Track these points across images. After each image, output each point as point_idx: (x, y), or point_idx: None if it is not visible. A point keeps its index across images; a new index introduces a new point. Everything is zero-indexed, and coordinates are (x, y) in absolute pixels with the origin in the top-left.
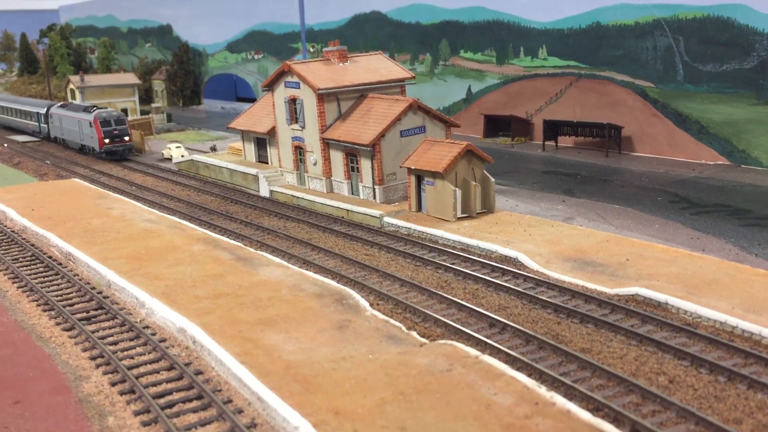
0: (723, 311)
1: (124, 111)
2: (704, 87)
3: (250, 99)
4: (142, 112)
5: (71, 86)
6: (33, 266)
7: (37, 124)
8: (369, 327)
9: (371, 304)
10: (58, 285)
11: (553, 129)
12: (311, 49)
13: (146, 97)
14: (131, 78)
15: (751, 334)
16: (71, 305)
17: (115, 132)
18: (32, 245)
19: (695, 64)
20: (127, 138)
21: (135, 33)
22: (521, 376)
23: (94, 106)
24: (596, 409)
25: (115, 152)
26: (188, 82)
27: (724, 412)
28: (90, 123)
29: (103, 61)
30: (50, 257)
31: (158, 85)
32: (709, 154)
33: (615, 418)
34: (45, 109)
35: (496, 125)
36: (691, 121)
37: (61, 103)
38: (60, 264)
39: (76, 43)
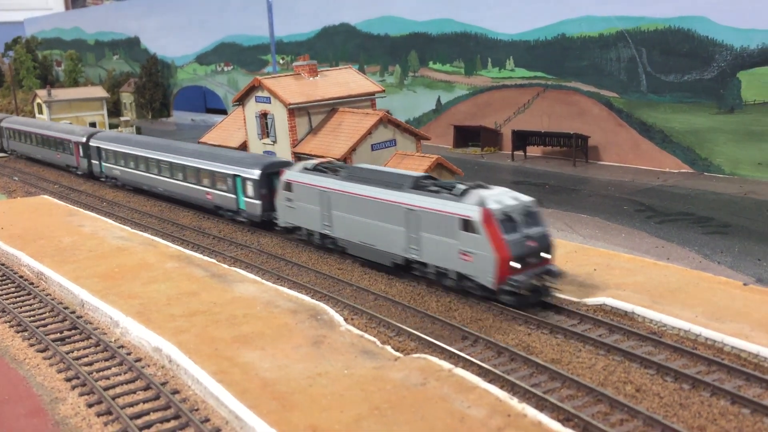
0: (687, 320)
1: (93, 125)
2: (667, 97)
3: (220, 110)
4: (111, 126)
5: (38, 100)
6: (4, 286)
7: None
8: (344, 342)
9: (345, 319)
10: (30, 305)
11: (522, 139)
12: (281, 61)
13: (115, 110)
14: (99, 91)
15: (714, 342)
16: (44, 326)
17: (529, 244)
18: (2, 264)
19: (658, 74)
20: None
21: (102, 45)
22: (494, 389)
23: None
24: (566, 419)
25: (532, 290)
26: (157, 94)
27: (688, 420)
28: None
29: (70, 73)
30: (21, 277)
31: (127, 97)
32: (673, 162)
33: (584, 428)
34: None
35: (465, 136)
36: (655, 130)
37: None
38: (32, 284)
39: (42, 56)
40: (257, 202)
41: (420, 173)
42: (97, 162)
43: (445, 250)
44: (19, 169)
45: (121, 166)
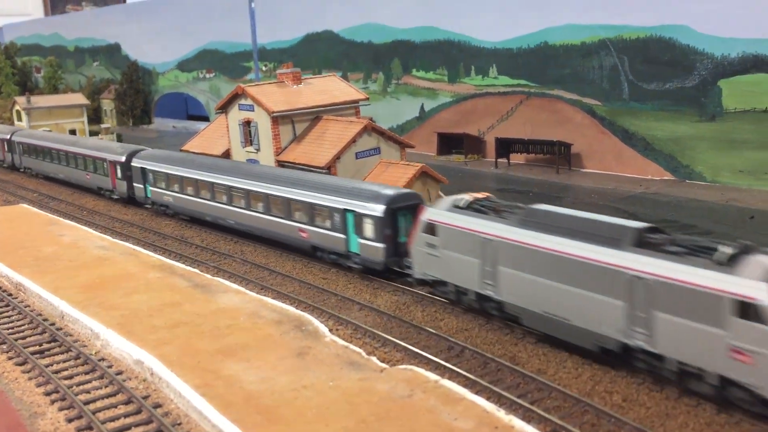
0: None
1: (73, 132)
2: (649, 105)
3: (202, 117)
4: (91, 133)
5: (17, 107)
6: None
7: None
8: (329, 353)
9: (330, 330)
10: (8, 317)
11: (505, 146)
12: (264, 68)
13: (95, 116)
14: (79, 98)
15: None
16: (23, 338)
17: None
18: None
19: (640, 82)
20: None
21: (82, 52)
22: (481, 400)
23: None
24: (554, 431)
25: None
26: (138, 101)
27: (674, 430)
28: None
29: (50, 80)
30: (0, 288)
31: (107, 104)
32: (655, 169)
33: None
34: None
35: (449, 143)
36: (638, 138)
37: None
38: (10, 295)
39: (21, 62)
40: (379, 245)
41: (643, 224)
42: (141, 185)
43: (700, 341)
44: None
45: (174, 191)
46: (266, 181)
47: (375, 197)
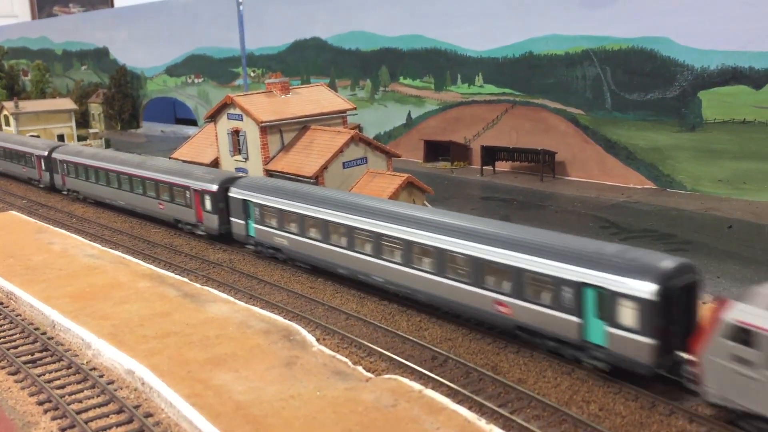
0: None
1: (61, 137)
2: (631, 115)
3: (190, 120)
4: (79, 138)
5: (5, 112)
6: None
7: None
8: (316, 363)
9: (318, 339)
10: (0, 326)
11: (491, 154)
12: (252, 74)
13: (83, 120)
14: (68, 103)
15: None
16: (15, 347)
17: None
18: None
19: (622, 93)
20: None
21: (70, 55)
22: (462, 410)
23: None
24: None
25: None
26: (126, 105)
27: None
28: None
29: (38, 84)
30: None
31: (95, 108)
32: (637, 178)
33: None
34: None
35: (436, 150)
36: (620, 147)
37: None
38: (1, 303)
39: (8, 65)
40: (648, 340)
41: None
42: (242, 221)
43: None
44: None
45: (285, 230)
46: (437, 230)
47: (639, 269)
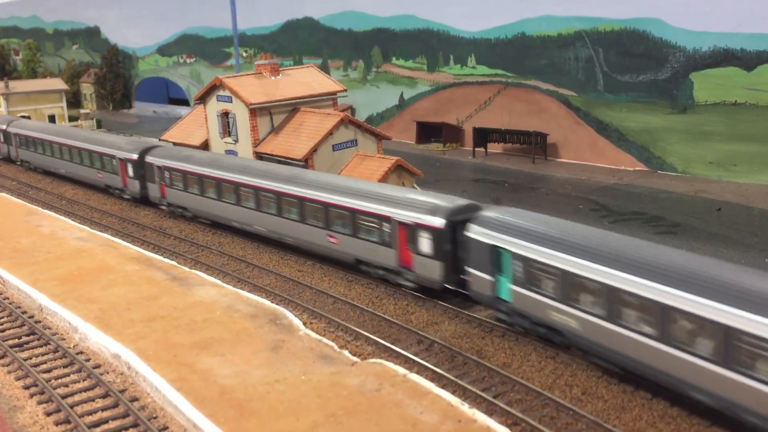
0: None
1: (52, 118)
2: (622, 96)
3: (183, 101)
4: (71, 118)
5: None
6: None
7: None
8: (302, 347)
9: (305, 323)
10: None
11: (483, 136)
12: (244, 54)
13: (74, 100)
14: (58, 83)
15: None
16: (2, 331)
17: None
18: None
19: (614, 74)
20: None
21: (61, 34)
22: (446, 394)
23: None
24: (514, 423)
25: None
26: (118, 85)
27: (629, 423)
28: None
29: (28, 63)
30: None
31: (87, 88)
32: (628, 160)
33: None
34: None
35: (428, 131)
36: (611, 128)
37: None
38: None
39: None
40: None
41: None
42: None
43: None
44: None
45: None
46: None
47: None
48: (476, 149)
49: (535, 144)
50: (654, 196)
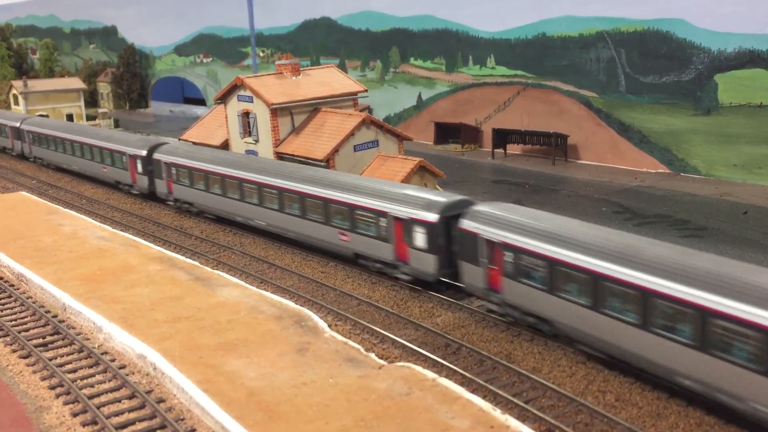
0: None
1: (70, 117)
2: (645, 98)
3: (199, 100)
4: (88, 117)
5: (14, 91)
6: None
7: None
8: (328, 349)
9: (330, 325)
10: (11, 308)
11: (502, 137)
12: (261, 54)
13: (91, 99)
14: (76, 82)
15: None
16: (26, 330)
17: None
18: None
19: (636, 75)
20: None
21: (78, 34)
22: (477, 399)
23: None
24: (548, 430)
25: None
26: (135, 84)
27: (666, 431)
28: None
29: (46, 62)
30: (1, 278)
31: (104, 87)
32: (650, 162)
33: None
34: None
35: (446, 132)
36: (633, 130)
37: None
38: (12, 285)
39: (16, 43)
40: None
41: None
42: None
43: None
44: None
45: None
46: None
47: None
48: (495, 150)
49: (555, 145)
50: (678, 198)
